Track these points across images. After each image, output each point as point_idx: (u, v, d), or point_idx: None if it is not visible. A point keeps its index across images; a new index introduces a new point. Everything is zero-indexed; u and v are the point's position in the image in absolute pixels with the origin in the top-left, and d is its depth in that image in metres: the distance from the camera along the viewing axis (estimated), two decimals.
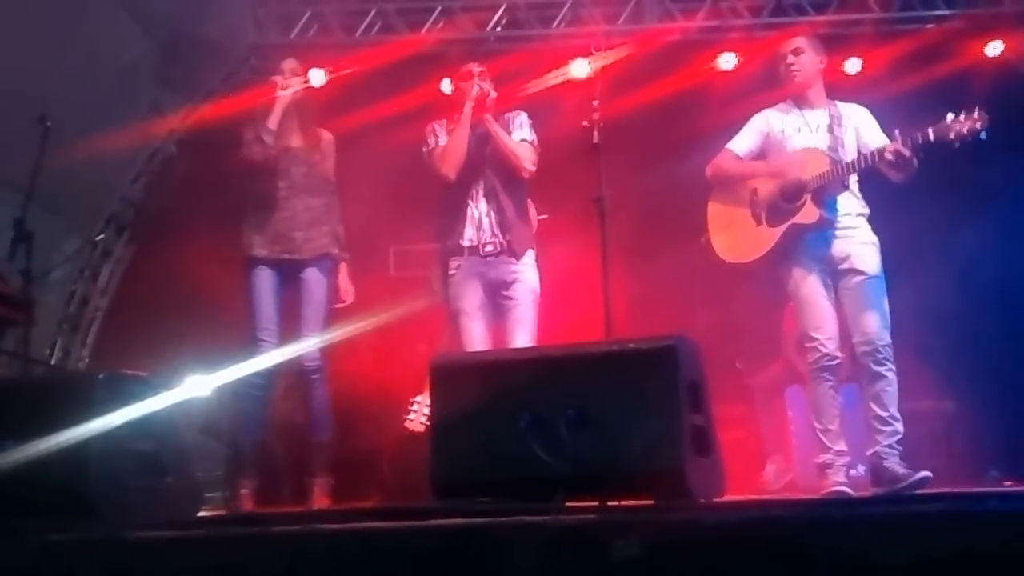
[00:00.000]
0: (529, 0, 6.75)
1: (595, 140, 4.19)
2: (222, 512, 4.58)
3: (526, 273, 4.52)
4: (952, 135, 3.96)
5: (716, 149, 4.55)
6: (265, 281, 4.60)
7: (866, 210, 4.34)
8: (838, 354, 4.22)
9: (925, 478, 3.96)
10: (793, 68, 4.39)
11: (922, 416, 5.58)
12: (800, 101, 4.42)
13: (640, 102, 6.05)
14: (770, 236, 4.32)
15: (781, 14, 6.68)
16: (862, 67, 6.34)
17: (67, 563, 2.21)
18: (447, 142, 4.55)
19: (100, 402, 3.14)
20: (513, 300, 4.48)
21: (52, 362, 6.56)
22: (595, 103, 4.25)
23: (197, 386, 5.19)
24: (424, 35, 6.74)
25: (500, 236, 4.49)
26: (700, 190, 4.70)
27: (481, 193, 4.54)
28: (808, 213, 4.23)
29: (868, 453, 4.18)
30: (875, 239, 4.30)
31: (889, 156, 4.04)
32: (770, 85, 4.62)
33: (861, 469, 5.03)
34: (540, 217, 4.99)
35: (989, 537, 1.93)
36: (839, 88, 4.58)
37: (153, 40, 6.20)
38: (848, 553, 1.94)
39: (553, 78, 6.24)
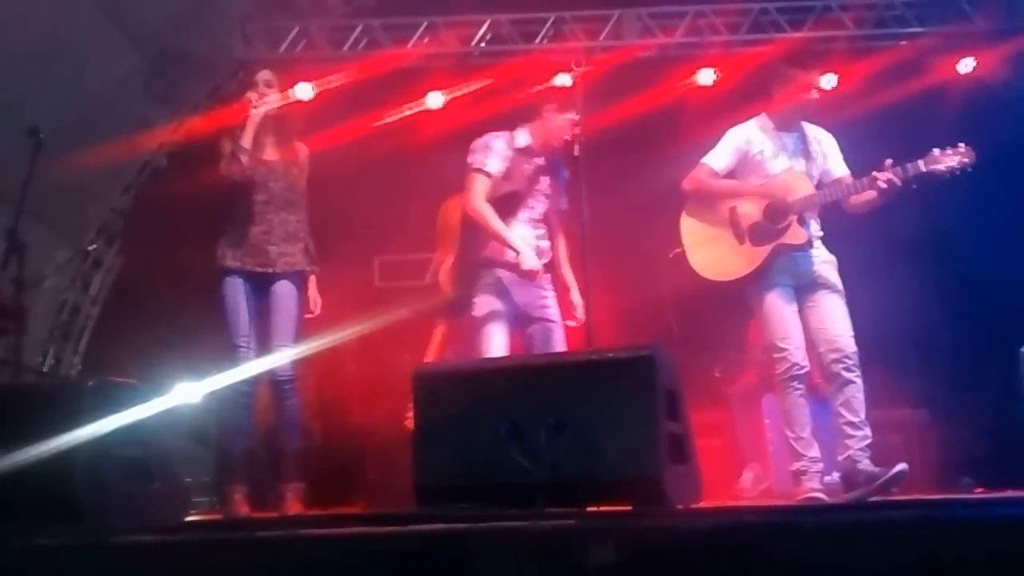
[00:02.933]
0: (512, 17, 6.83)
1: (575, 153, 4.23)
2: (212, 517, 4.63)
3: (553, 297, 4.51)
4: (943, 167, 4.15)
5: (695, 163, 4.62)
6: (238, 290, 4.62)
7: (821, 232, 4.47)
8: (806, 363, 4.30)
9: (902, 471, 4.05)
10: (815, 101, 4.47)
11: (896, 425, 5.67)
12: (780, 121, 4.49)
13: (621, 116, 6.14)
14: (756, 255, 4.38)
15: (758, 30, 6.79)
16: (837, 83, 6.45)
17: (53, 567, 2.22)
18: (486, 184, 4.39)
19: (89, 409, 3.17)
20: (553, 322, 4.45)
21: (44, 369, 6.63)
22: (576, 117, 4.29)
23: (185, 393, 5.24)
24: (409, 50, 6.81)
25: (542, 261, 4.43)
26: (679, 203, 4.77)
27: (530, 218, 4.48)
28: (796, 234, 4.33)
29: (840, 458, 4.25)
30: (833, 258, 4.43)
31: (882, 184, 4.16)
32: (756, 97, 4.66)
33: (835, 476, 5.14)
34: None
35: (956, 544, 1.97)
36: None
37: (143, 55, 6.25)
38: (819, 559, 1.99)
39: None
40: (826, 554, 1.99)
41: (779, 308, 4.35)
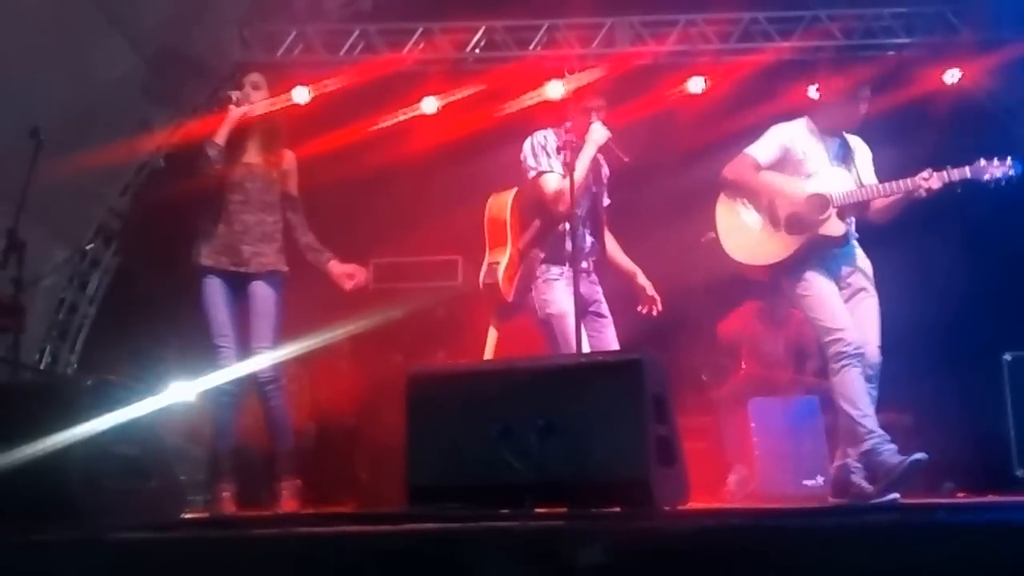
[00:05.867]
0: (506, 23, 6.88)
1: (567, 160, 4.26)
2: (204, 515, 4.69)
3: (602, 294, 4.51)
4: (986, 176, 4.20)
5: (687, 167, 4.65)
6: (215, 289, 4.67)
7: (857, 235, 4.49)
8: (862, 344, 4.21)
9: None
10: (861, 112, 4.45)
11: (881, 428, 5.73)
12: (824, 126, 4.47)
13: (612, 123, 6.19)
14: (789, 243, 4.35)
15: (748, 40, 6.85)
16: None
17: (50, 564, 2.23)
18: (564, 185, 4.27)
19: (85, 407, 3.22)
20: (606, 318, 4.44)
21: (41, 367, 6.65)
22: (568, 124, 4.33)
23: (180, 392, 5.28)
24: (405, 55, 6.85)
25: (592, 259, 4.48)
26: (670, 208, 4.80)
27: (584, 216, 4.44)
28: (834, 227, 4.31)
29: (835, 464, 4.29)
30: (869, 262, 4.44)
31: (923, 193, 4.21)
32: (752, 105, 4.65)
33: (819, 480, 5.22)
34: None
35: (938, 548, 2.00)
36: (803, 112, 4.70)
37: (142, 57, 6.27)
38: (804, 561, 2.01)
39: (528, 99, 6.43)
40: (810, 556, 2.02)
41: (824, 291, 4.30)
